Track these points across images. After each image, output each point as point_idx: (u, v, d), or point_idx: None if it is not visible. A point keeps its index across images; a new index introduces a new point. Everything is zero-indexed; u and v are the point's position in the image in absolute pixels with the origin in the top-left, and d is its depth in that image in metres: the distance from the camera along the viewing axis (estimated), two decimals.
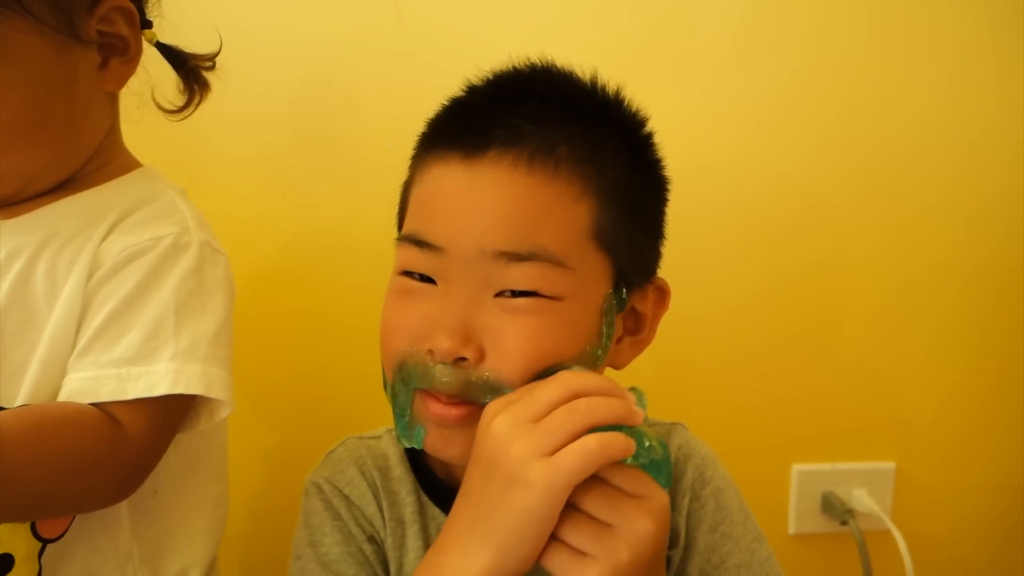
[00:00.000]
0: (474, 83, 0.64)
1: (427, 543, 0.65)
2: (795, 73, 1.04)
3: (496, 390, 0.55)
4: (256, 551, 0.98)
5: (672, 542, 0.64)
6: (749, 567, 0.64)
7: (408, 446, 0.59)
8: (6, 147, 0.60)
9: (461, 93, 0.64)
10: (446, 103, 0.65)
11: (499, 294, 0.57)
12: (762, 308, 1.07)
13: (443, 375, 0.56)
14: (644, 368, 1.02)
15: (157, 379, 0.59)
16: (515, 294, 0.57)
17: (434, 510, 0.66)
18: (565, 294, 0.57)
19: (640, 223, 0.64)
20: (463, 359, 0.55)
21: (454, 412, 0.56)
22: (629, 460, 0.50)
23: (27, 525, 0.61)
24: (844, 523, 1.07)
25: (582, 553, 0.49)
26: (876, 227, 1.07)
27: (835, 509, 1.08)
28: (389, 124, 0.97)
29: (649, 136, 0.66)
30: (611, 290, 0.60)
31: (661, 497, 0.51)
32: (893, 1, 1.04)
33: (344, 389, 0.99)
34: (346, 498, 0.66)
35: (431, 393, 0.57)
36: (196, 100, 0.74)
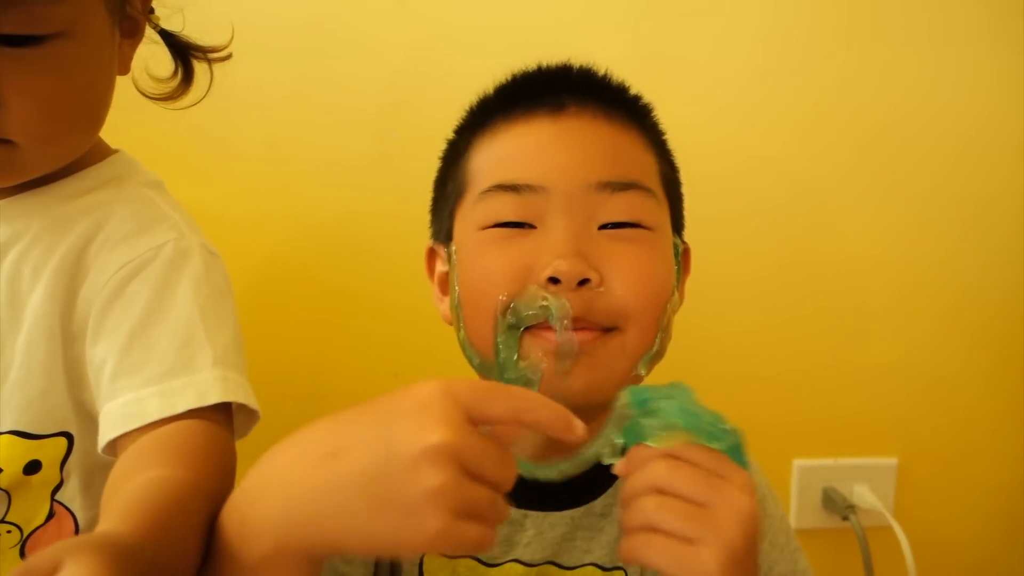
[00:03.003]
0: (522, 70, 0.69)
1: None
2: (805, 68, 1.02)
3: (619, 314, 0.58)
4: None
5: None
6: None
7: None
8: (67, 130, 0.58)
9: (511, 78, 0.69)
10: (501, 84, 0.69)
11: (603, 226, 0.60)
12: (763, 302, 1.06)
13: (565, 301, 0.56)
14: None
15: (206, 387, 0.55)
16: (618, 226, 0.60)
17: None
18: (658, 224, 0.63)
19: (677, 182, 0.70)
20: (586, 281, 0.57)
21: (579, 337, 0.57)
22: (714, 445, 0.48)
23: (16, 551, 0.59)
24: (845, 519, 1.07)
25: (688, 540, 0.46)
26: (880, 221, 1.06)
27: (836, 504, 1.08)
28: (392, 116, 0.97)
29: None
30: (674, 235, 0.67)
31: (748, 475, 0.49)
32: None
33: (347, 384, 0.98)
34: None
35: (545, 327, 0.58)
36: (190, 89, 0.71)
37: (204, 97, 0.71)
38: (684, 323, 1.02)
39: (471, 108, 0.70)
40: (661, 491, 0.47)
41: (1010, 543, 1.14)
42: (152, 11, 0.65)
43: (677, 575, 0.46)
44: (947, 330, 1.09)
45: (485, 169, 0.64)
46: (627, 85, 0.69)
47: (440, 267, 0.69)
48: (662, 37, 1.00)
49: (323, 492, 0.42)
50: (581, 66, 0.69)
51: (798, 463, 1.10)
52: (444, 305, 0.68)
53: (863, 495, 1.08)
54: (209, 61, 0.70)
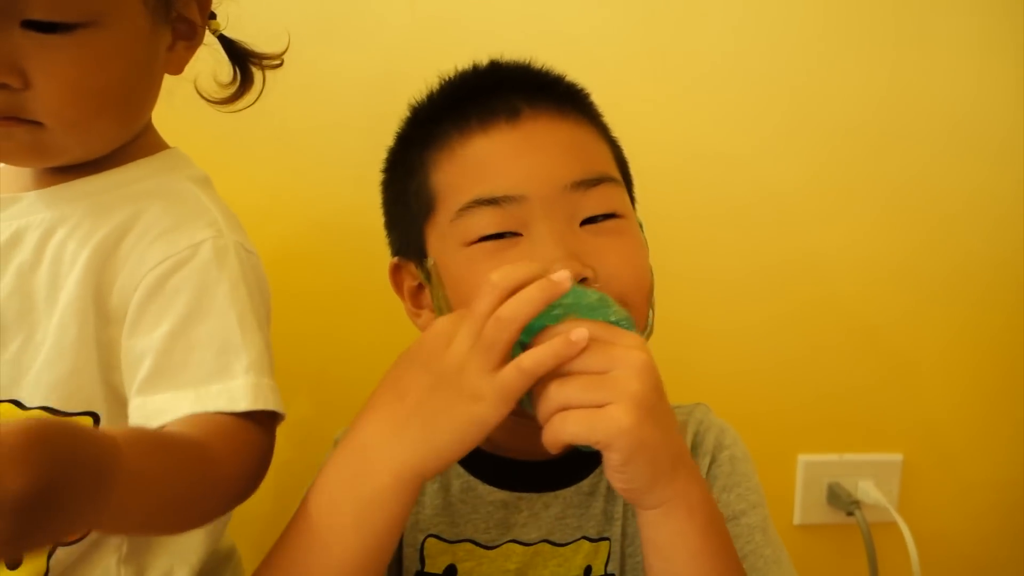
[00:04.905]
0: (457, 75, 0.70)
1: (447, 500, 0.69)
2: (777, 70, 1.03)
3: (621, 303, 0.58)
4: (277, 530, 0.99)
5: None
6: (764, 531, 0.65)
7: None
8: (93, 115, 0.60)
9: (450, 84, 0.70)
10: (440, 92, 0.70)
11: (583, 223, 0.62)
12: (769, 297, 1.07)
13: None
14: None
15: (238, 394, 0.57)
16: (596, 219, 0.62)
17: (457, 468, 0.70)
18: (627, 210, 0.65)
19: (625, 160, 0.71)
20: (584, 280, 0.59)
21: None
22: (596, 318, 0.53)
23: None
24: (850, 514, 1.07)
25: (597, 405, 0.49)
26: (892, 218, 1.07)
27: (841, 500, 1.08)
28: (401, 110, 0.98)
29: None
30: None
31: (636, 335, 0.53)
32: None
33: (363, 370, 0.99)
34: None
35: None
36: (243, 93, 0.74)
37: (256, 101, 0.74)
38: (688, 320, 1.03)
39: (416, 119, 0.71)
40: (561, 375, 0.51)
41: (1015, 539, 1.13)
42: (213, 16, 0.67)
43: (597, 440, 0.49)
44: (956, 326, 1.09)
45: (455, 185, 0.64)
46: (566, 77, 0.70)
47: (410, 282, 0.70)
48: (637, 36, 1.01)
49: (406, 423, 0.53)
50: (518, 64, 0.70)
51: (803, 458, 1.10)
52: (422, 320, 0.69)
53: (868, 491, 1.09)
54: (263, 68, 0.73)
